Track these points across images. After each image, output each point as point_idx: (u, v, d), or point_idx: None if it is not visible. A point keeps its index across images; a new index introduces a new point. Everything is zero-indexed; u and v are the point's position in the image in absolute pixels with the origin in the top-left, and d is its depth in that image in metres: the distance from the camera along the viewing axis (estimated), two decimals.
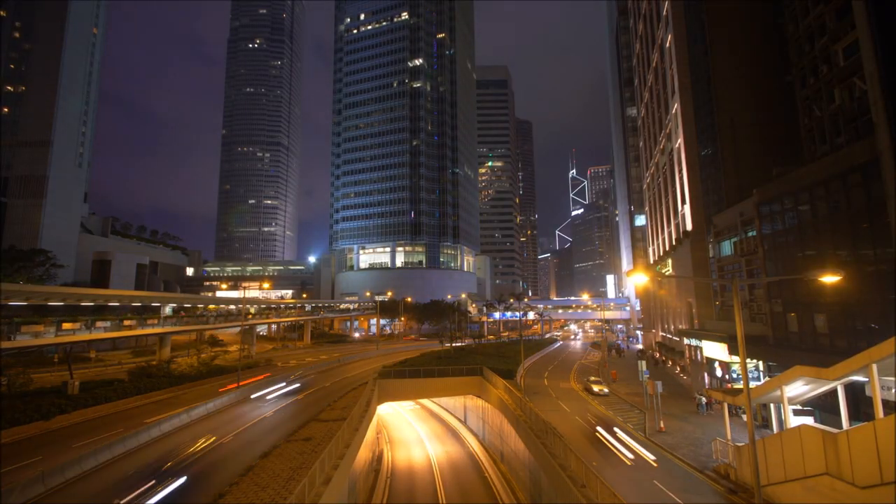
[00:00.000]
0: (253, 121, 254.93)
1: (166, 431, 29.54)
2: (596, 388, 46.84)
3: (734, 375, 38.64)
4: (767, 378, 32.40)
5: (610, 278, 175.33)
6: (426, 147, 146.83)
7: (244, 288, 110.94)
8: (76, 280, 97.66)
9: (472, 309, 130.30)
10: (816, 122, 33.06)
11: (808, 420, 24.38)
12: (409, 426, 50.72)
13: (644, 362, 44.71)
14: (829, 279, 15.13)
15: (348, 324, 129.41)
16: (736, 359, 36.42)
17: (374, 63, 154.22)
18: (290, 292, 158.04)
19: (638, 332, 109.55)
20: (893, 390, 20.12)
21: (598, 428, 33.73)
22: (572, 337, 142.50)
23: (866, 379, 17.41)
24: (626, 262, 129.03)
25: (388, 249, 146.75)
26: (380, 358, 69.06)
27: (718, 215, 44.64)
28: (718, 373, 41.05)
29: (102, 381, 42.43)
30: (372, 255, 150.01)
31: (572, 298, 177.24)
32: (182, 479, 21.61)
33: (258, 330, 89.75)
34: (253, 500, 18.81)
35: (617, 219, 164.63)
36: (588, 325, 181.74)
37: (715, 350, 40.95)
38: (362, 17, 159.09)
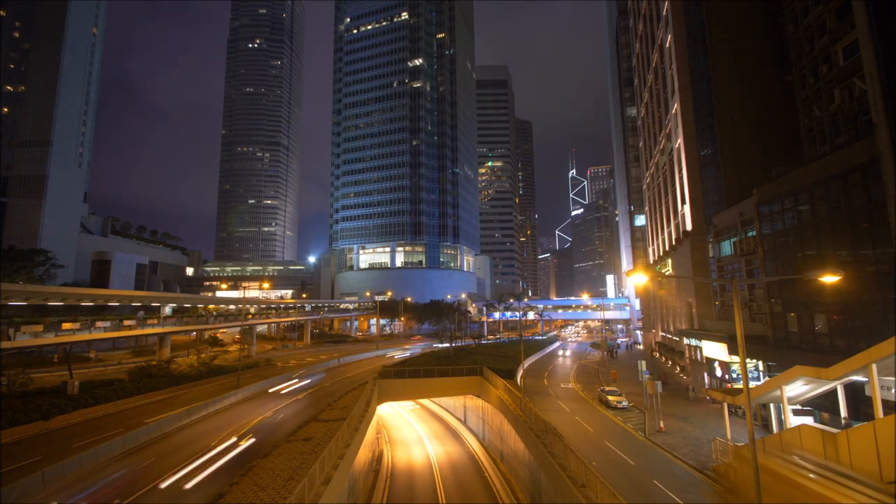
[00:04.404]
0: (253, 121, 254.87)
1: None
2: (613, 400, 40.62)
3: (734, 375, 38.65)
4: (767, 378, 32.41)
5: (610, 278, 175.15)
6: (426, 147, 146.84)
7: (244, 288, 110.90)
8: (76, 280, 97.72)
9: (472, 309, 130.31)
10: (816, 122, 33.05)
11: (808, 420, 24.37)
12: (409, 426, 50.71)
13: (644, 362, 44.70)
14: (829, 279, 15.11)
15: (348, 324, 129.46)
16: (736, 359, 36.43)
17: (373, 63, 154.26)
18: (290, 292, 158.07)
19: (638, 332, 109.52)
20: (893, 390, 20.12)
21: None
22: (571, 337, 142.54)
23: (866, 379, 17.42)
24: (626, 262, 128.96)
25: (387, 249, 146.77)
26: (379, 358, 69.09)
27: (718, 215, 44.63)
28: (718, 373, 41.06)
29: (102, 381, 42.44)
30: (372, 255, 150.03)
31: (572, 298, 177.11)
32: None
33: (258, 330, 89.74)
34: (253, 500, 18.80)
35: (617, 219, 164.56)
36: (582, 325, 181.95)
37: (715, 350, 40.96)
38: (362, 16, 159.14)
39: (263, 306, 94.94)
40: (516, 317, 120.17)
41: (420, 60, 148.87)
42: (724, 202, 44.05)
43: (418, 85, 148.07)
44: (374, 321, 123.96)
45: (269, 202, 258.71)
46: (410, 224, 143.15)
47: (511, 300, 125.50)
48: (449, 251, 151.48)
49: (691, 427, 33.94)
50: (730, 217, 41.52)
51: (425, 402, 58.94)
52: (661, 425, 33.43)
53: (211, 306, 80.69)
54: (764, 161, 40.42)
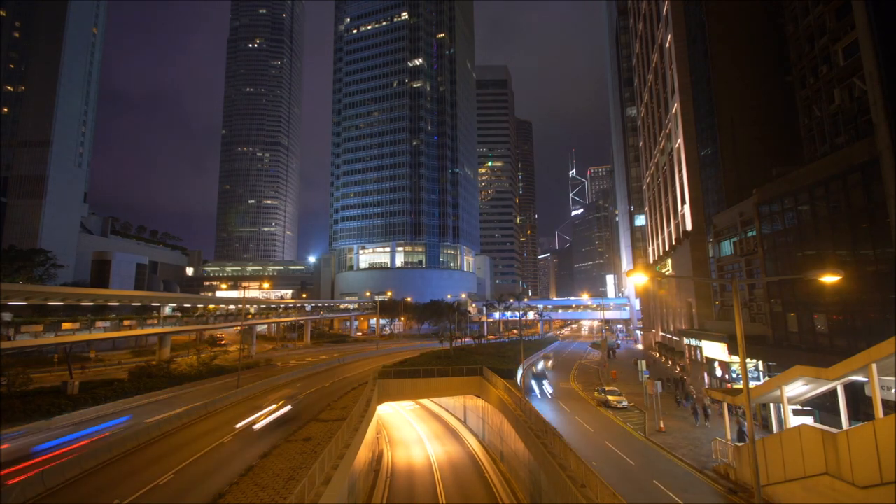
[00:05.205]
0: (253, 121, 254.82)
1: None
2: (613, 400, 40.86)
3: (734, 375, 38.66)
4: (767, 378, 32.41)
5: (610, 278, 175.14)
6: (426, 147, 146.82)
7: (244, 288, 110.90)
8: (76, 280, 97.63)
9: (472, 309, 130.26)
10: (816, 122, 33.06)
11: (808, 420, 24.37)
12: (409, 426, 50.70)
13: (644, 362, 44.70)
14: (829, 279, 15.10)
15: (348, 324, 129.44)
16: (736, 359, 36.44)
17: (373, 63, 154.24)
18: (289, 292, 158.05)
19: (638, 332, 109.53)
20: (893, 390, 20.11)
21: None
22: (572, 334, 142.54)
23: (866, 379, 17.41)
24: (626, 262, 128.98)
25: (387, 249, 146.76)
26: (379, 358, 69.07)
27: (718, 215, 44.64)
28: (718, 373, 41.07)
29: (102, 380, 42.43)
30: (372, 255, 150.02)
31: (572, 298, 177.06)
32: None
33: (258, 330, 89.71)
34: (253, 500, 18.80)
35: (617, 219, 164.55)
36: (585, 324, 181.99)
37: (715, 350, 40.97)
38: (362, 17, 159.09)
39: (263, 306, 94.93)
40: (516, 317, 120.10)
41: (420, 60, 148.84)
42: (724, 202, 44.06)
43: (418, 85, 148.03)
44: (374, 321, 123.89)
45: (269, 202, 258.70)
46: (410, 224, 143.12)
47: (511, 300, 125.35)
48: (449, 251, 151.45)
49: (691, 427, 33.95)
50: (730, 217, 41.53)
51: (425, 402, 58.93)
52: (661, 425, 33.44)
53: (211, 306, 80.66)
54: (764, 161, 40.41)
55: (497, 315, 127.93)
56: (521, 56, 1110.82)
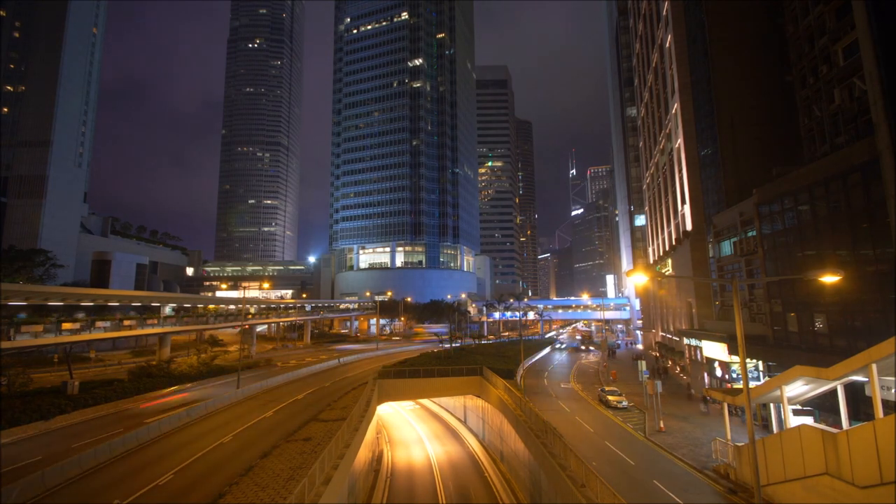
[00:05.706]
0: (253, 121, 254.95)
1: None
2: (613, 400, 40.90)
3: (734, 375, 38.65)
4: (767, 378, 32.40)
5: (610, 278, 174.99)
6: (426, 147, 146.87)
7: (244, 288, 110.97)
8: (76, 280, 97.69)
9: (472, 309, 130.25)
10: (816, 122, 33.06)
11: (808, 420, 24.36)
12: (409, 426, 50.70)
13: (643, 362, 44.68)
14: (829, 279, 15.10)
15: (348, 324, 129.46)
16: (736, 359, 36.44)
17: (373, 63, 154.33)
18: (289, 292, 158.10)
19: (637, 332, 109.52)
20: (893, 390, 20.11)
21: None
22: (571, 336, 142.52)
23: (866, 379, 17.41)
24: (626, 262, 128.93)
25: (387, 249, 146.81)
26: (380, 358, 69.10)
27: (718, 215, 44.64)
28: (718, 373, 41.06)
29: (102, 381, 42.45)
30: (372, 255, 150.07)
31: (572, 298, 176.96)
32: None
33: (258, 330, 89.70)
34: (253, 500, 18.80)
35: (617, 219, 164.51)
36: (582, 325, 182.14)
37: (715, 350, 40.96)
38: (362, 17, 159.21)
39: (263, 306, 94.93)
40: (516, 317, 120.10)
41: (420, 60, 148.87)
42: (724, 202, 44.05)
43: (418, 85, 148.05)
44: (374, 321, 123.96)
45: (269, 202, 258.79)
46: (410, 224, 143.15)
47: (511, 300, 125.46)
48: (449, 251, 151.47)
49: (691, 427, 33.94)
50: (730, 217, 41.53)
51: (425, 402, 58.93)
52: (661, 425, 33.43)
53: (211, 306, 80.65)
54: (764, 161, 40.42)
55: (497, 315, 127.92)
56: (521, 56, 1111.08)
